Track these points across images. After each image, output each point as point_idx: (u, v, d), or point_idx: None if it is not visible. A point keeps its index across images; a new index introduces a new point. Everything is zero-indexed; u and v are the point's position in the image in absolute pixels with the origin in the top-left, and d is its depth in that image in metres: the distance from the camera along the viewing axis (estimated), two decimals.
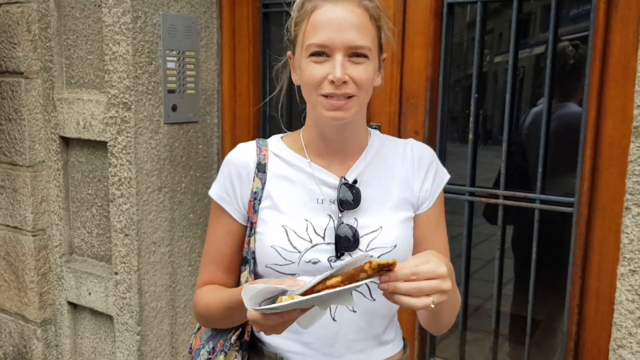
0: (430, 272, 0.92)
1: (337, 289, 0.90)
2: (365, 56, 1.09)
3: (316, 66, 1.09)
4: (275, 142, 1.25)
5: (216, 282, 1.25)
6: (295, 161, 1.21)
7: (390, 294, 0.93)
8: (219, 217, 1.24)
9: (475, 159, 1.99)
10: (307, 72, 1.10)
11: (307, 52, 1.09)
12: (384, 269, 0.91)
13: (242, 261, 1.23)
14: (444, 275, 0.93)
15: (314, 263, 1.12)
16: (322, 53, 1.08)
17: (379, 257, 1.15)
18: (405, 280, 0.92)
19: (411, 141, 1.26)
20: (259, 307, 0.91)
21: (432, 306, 0.92)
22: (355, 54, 1.08)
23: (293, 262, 1.13)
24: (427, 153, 1.25)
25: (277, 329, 0.98)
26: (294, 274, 1.12)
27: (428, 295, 0.92)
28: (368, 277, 0.91)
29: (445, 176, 1.26)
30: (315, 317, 0.99)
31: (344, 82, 1.07)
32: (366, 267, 0.90)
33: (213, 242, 1.25)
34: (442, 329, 1.23)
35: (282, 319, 0.94)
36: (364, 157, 1.21)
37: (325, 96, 1.09)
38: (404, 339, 1.30)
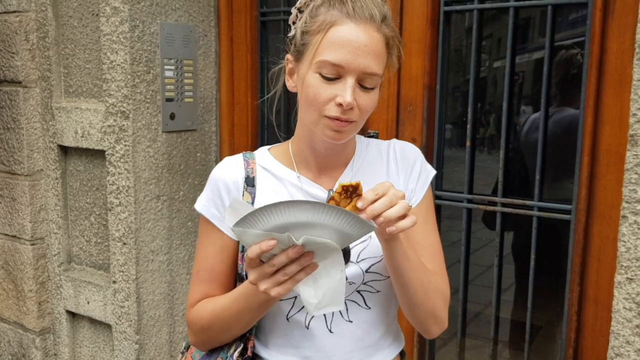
0: (384, 187, 0.96)
1: (312, 200, 0.93)
2: (373, 86, 1.07)
3: (324, 85, 1.05)
4: (263, 155, 1.23)
5: None
6: (284, 175, 1.19)
7: (383, 228, 0.96)
8: (209, 234, 1.19)
9: (473, 166, 1.98)
10: (313, 88, 1.06)
11: (317, 67, 1.06)
12: (349, 191, 0.95)
13: (236, 277, 1.21)
14: (392, 186, 0.97)
15: None
16: (333, 72, 1.05)
17: (370, 267, 1.15)
18: (374, 201, 0.95)
19: (394, 141, 1.25)
20: (236, 224, 0.91)
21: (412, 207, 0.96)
22: (365, 80, 1.06)
23: None
24: (410, 151, 1.24)
25: (273, 285, 0.95)
26: None
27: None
28: (338, 205, 0.94)
29: (430, 172, 1.24)
30: (327, 291, 0.98)
31: (350, 108, 1.05)
32: (334, 195, 0.95)
33: (205, 259, 1.20)
34: (424, 318, 1.15)
35: (260, 250, 0.91)
36: (351, 167, 1.21)
37: (328, 117, 1.07)
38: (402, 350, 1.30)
